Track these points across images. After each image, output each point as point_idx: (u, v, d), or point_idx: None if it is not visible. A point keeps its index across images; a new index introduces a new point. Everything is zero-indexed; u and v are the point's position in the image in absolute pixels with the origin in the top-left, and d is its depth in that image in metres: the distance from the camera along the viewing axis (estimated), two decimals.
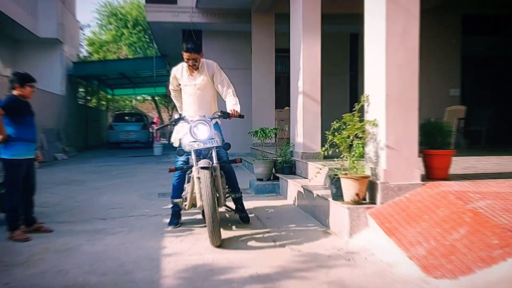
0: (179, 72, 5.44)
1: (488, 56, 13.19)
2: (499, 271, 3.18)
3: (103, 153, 19.54)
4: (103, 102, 31.42)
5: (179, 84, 5.51)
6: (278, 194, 7.51)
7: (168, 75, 20.69)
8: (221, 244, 4.52)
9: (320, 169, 5.88)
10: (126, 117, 25.55)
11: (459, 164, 6.55)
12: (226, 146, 5.00)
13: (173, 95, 5.77)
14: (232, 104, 5.25)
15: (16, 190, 5.04)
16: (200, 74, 5.37)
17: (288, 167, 7.62)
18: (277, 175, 7.70)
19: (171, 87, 5.66)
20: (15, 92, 5.15)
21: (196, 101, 5.39)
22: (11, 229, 4.98)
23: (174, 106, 39.65)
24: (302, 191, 6.21)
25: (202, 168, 4.49)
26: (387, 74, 4.63)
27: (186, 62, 5.29)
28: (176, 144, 5.45)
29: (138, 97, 42.89)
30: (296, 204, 6.53)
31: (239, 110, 5.23)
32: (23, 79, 5.18)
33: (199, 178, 4.53)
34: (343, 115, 4.88)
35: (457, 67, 12.81)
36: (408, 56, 4.69)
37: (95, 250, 4.51)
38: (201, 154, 4.83)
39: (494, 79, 13.20)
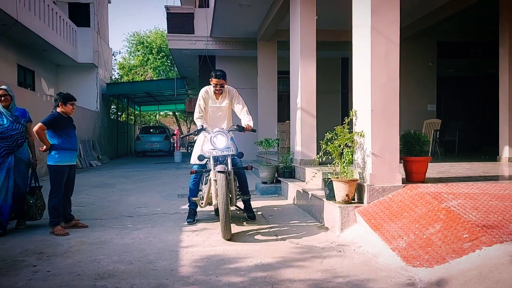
0: (207, 94, 5.45)
1: (459, 76, 13.17)
2: (469, 260, 3.15)
3: (131, 161, 19.55)
4: (132, 117, 31.52)
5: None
6: (280, 195, 7.48)
7: (187, 94, 20.67)
8: (231, 237, 4.52)
9: (315, 173, 5.86)
10: (151, 130, 25.55)
11: (435, 169, 6.51)
12: (240, 154, 5.01)
13: (200, 115, 5.42)
14: (247, 120, 5.31)
15: (59, 192, 5.06)
16: (223, 99, 5.46)
17: (288, 172, 7.60)
18: (279, 178, 7.67)
19: (200, 108, 5.41)
20: (58, 109, 5.20)
21: (218, 118, 5.46)
22: (52, 225, 4.99)
23: (192, 120, 39.47)
24: (301, 192, 6.18)
25: (219, 172, 4.52)
26: (372, 92, 4.62)
27: (214, 86, 5.36)
28: (196, 162, 5.25)
29: (161, 113, 43.03)
30: (295, 203, 6.51)
31: (252, 126, 5.27)
32: (66, 98, 5.22)
33: (215, 180, 4.55)
34: (335, 127, 4.88)
35: (433, 85, 12.75)
36: (390, 76, 4.68)
37: (124, 242, 4.50)
38: (218, 160, 4.85)
39: (464, 96, 13.18)
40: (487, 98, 12.53)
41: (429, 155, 5.24)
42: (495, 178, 5.65)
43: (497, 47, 8.75)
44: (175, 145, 27.30)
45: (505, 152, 8.45)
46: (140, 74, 36.04)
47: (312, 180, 5.98)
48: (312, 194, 5.59)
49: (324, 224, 5.10)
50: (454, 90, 13.11)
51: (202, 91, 5.47)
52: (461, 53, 12.95)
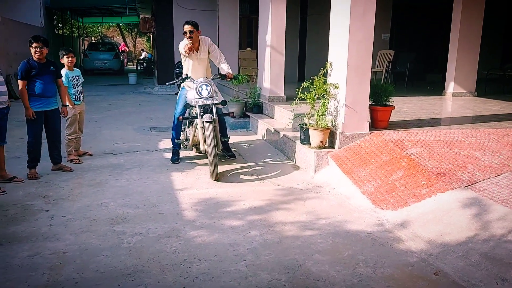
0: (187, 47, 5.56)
1: (414, 5, 13.59)
2: (426, 205, 3.92)
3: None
4: (75, 30, 29.82)
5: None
6: (249, 129, 7.99)
7: (135, 8, 19.73)
8: (218, 178, 5.07)
9: (292, 120, 6.34)
10: (100, 46, 24.45)
11: None
12: (223, 102, 5.40)
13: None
14: (227, 68, 5.61)
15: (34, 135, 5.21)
16: (201, 51, 5.69)
17: (256, 107, 8.07)
18: (248, 113, 8.14)
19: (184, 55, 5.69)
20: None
21: (199, 68, 5.72)
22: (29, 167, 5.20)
23: (137, 33, 37.47)
24: (271, 131, 6.73)
25: (207, 121, 4.96)
26: (349, 48, 5.02)
27: (184, 34, 5.53)
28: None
29: (104, 24, 40.80)
30: (265, 139, 7.08)
31: (232, 73, 5.62)
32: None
33: (202, 127, 5.00)
34: (311, 77, 5.33)
35: (388, 14, 13.21)
36: (366, 34, 5.11)
37: (120, 184, 4.92)
38: (203, 107, 5.25)
39: (417, 27, 13.75)
40: (438, 29, 13.24)
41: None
42: (444, 120, 6.48)
43: None
44: (124, 61, 26.55)
45: (450, 87, 9.34)
46: None
47: (280, 117, 6.49)
48: (284, 135, 6.17)
49: (296, 163, 5.75)
50: (408, 20, 13.63)
51: (181, 44, 5.63)
52: None
